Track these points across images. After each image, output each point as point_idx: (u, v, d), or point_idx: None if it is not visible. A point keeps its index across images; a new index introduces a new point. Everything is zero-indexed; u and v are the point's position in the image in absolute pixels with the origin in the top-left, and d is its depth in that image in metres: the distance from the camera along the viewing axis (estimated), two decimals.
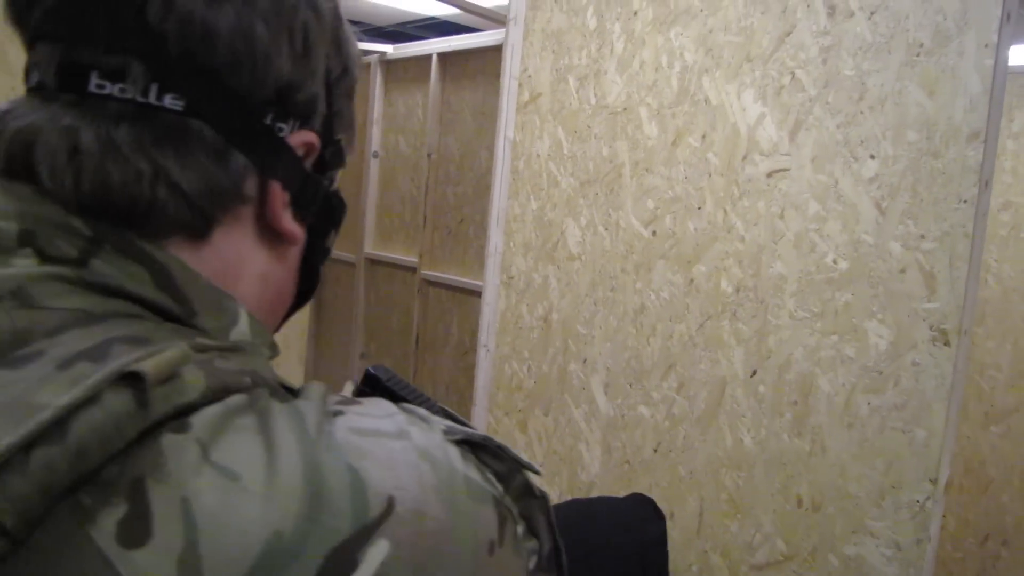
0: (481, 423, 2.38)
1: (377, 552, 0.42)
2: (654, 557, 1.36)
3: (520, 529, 0.56)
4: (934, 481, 1.53)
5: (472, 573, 0.48)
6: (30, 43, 0.54)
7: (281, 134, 0.58)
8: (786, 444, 1.72)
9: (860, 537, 1.63)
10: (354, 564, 0.41)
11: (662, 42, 1.96)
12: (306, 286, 0.71)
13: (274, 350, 0.61)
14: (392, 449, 0.48)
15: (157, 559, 0.37)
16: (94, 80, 0.51)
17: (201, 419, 0.42)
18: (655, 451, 1.96)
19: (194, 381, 0.43)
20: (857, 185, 1.63)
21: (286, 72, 0.57)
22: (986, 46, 1.49)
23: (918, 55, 1.56)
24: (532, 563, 0.56)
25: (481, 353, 2.38)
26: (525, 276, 2.29)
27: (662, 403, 1.95)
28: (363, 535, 0.42)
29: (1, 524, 0.35)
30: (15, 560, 0.36)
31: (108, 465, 0.39)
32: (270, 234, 0.61)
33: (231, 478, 0.40)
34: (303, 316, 3.14)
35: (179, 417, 0.42)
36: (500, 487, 0.54)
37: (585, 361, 2.12)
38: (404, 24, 4.84)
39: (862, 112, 1.63)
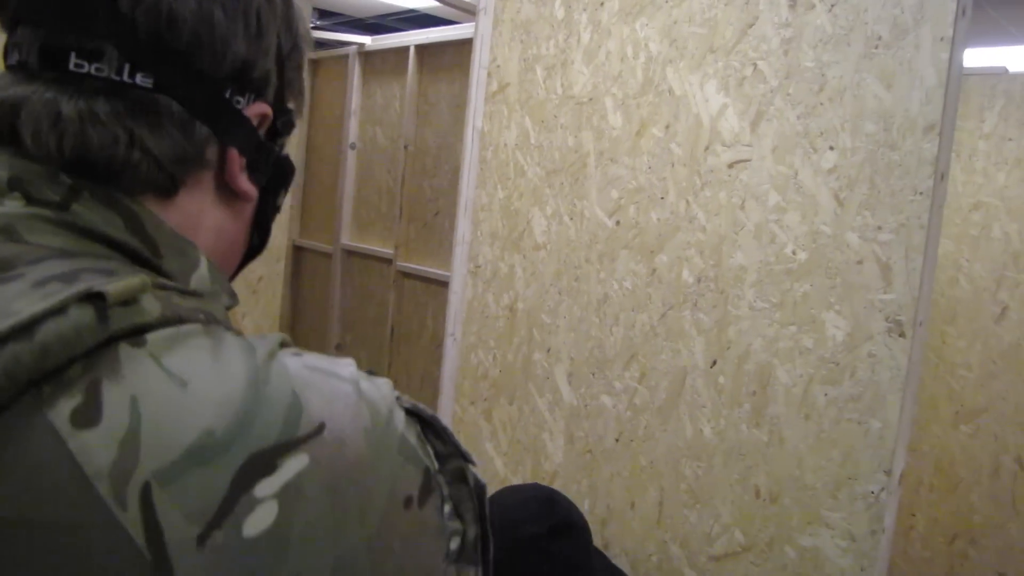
0: (447, 412, 2.37)
1: (295, 463, 0.47)
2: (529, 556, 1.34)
3: (447, 508, 0.57)
4: (888, 472, 1.53)
5: (383, 515, 0.51)
6: (11, 25, 0.60)
7: (239, 107, 0.65)
8: (745, 435, 1.73)
9: (816, 528, 1.63)
10: (272, 468, 0.46)
11: (628, 33, 1.96)
12: (259, 240, 0.78)
13: (233, 298, 0.68)
14: (337, 388, 0.53)
15: (102, 438, 0.43)
16: (73, 60, 0.57)
17: (156, 336, 0.48)
18: (617, 441, 1.96)
19: (151, 308, 0.49)
20: (816, 176, 1.64)
21: (242, 52, 0.63)
22: (941, 39, 1.50)
23: (876, 47, 1.57)
24: (455, 544, 0.58)
25: (448, 342, 2.38)
26: (492, 265, 2.29)
27: (624, 393, 1.95)
28: (286, 447, 0.47)
29: None
30: None
31: (70, 367, 0.45)
32: (227, 193, 0.68)
33: (179, 383, 0.46)
34: (278, 306, 3.13)
35: (136, 335, 0.48)
36: (436, 464, 0.57)
37: (549, 350, 2.12)
38: (384, 16, 4.83)
39: (822, 103, 1.64)
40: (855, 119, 1.59)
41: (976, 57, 3.57)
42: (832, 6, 1.63)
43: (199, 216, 0.65)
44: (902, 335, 1.52)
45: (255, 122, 0.67)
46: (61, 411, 0.44)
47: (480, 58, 2.32)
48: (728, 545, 1.76)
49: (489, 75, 2.32)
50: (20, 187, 0.54)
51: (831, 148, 1.62)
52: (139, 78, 0.58)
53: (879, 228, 1.56)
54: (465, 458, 0.60)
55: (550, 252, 2.12)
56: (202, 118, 0.62)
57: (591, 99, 2.04)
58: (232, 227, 0.71)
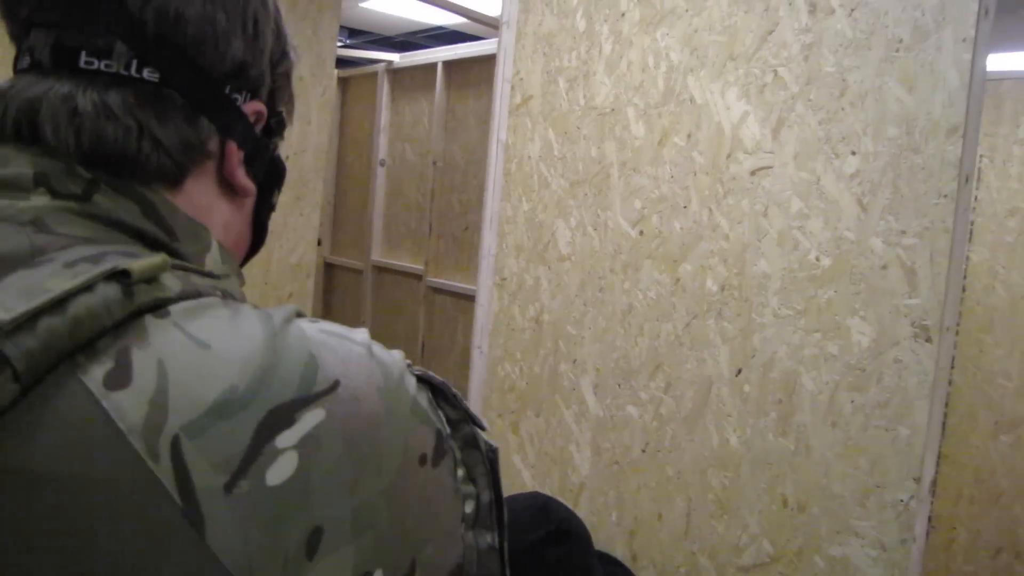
0: None
1: (312, 417, 0.51)
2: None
3: (460, 472, 0.61)
4: (918, 480, 1.51)
5: (398, 469, 0.54)
6: (23, 32, 0.64)
7: (237, 103, 0.70)
8: (771, 443, 1.71)
9: (845, 537, 1.61)
10: (291, 422, 0.50)
11: (649, 43, 1.96)
12: (256, 239, 0.82)
13: (241, 277, 0.73)
14: (351, 349, 0.57)
15: (133, 398, 0.47)
16: (84, 57, 0.61)
17: (178, 308, 0.53)
18: (643, 451, 1.95)
19: (172, 284, 0.54)
20: (839, 182, 1.63)
21: (241, 52, 0.68)
22: (963, 41, 1.48)
23: (897, 51, 1.56)
24: (469, 508, 0.61)
25: (475, 355, 2.39)
26: (517, 277, 2.29)
27: (650, 403, 1.94)
28: (304, 402, 0.51)
29: (14, 370, 0.45)
30: (22, 405, 0.46)
31: (100, 338, 0.49)
32: (228, 187, 0.72)
33: (202, 346, 0.50)
34: None
35: (159, 308, 0.52)
36: (447, 428, 0.61)
37: (575, 362, 2.12)
38: (412, 34, 4.88)
39: (843, 108, 1.62)
40: (877, 123, 1.58)
41: (1010, 61, 3.52)
42: (852, 10, 1.62)
43: (208, 208, 0.70)
44: (928, 340, 1.50)
45: (252, 119, 0.72)
46: (94, 376, 0.48)
47: (504, 71, 2.33)
48: (756, 555, 1.74)
49: (512, 88, 2.33)
50: (45, 183, 0.58)
51: (853, 153, 1.61)
52: (146, 72, 0.62)
53: (903, 232, 1.54)
54: (476, 423, 0.63)
55: (575, 263, 2.12)
56: (204, 111, 0.66)
57: (613, 109, 2.04)
58: (236, 220, 0.75)
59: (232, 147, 0.70)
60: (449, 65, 4.06)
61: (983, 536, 3.27)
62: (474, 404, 2.39)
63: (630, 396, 1.98)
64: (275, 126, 0.78)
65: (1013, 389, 3.14)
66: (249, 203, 0.77)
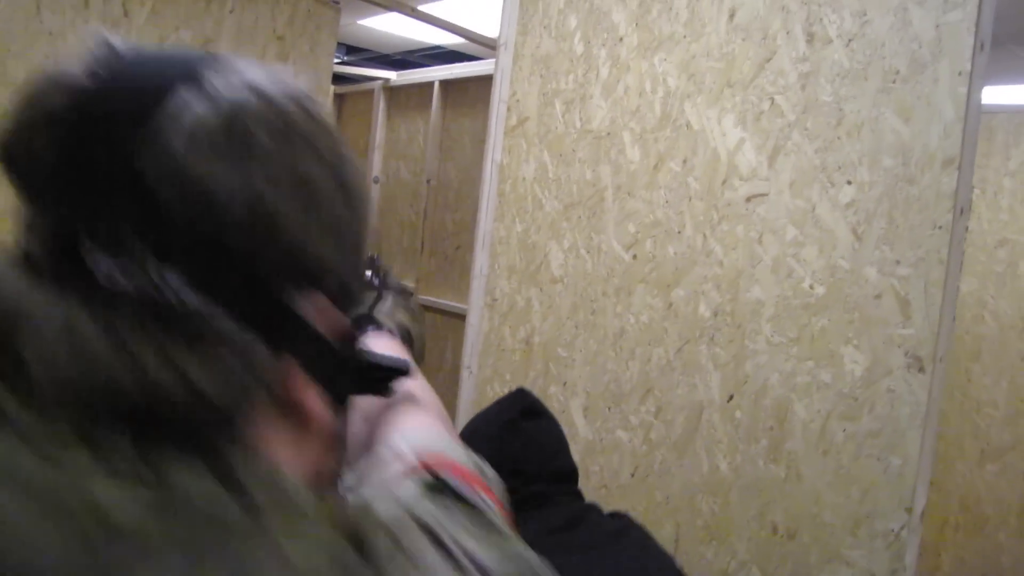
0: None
1: None
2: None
3: None
4: (909, 510, 1.51)
5: None
6: (28, 200, 0.50)
7: (295, 307, 0.52)
8: (762, 470, 1.70)
9: (835, 566, 1.61)
10: None
11: (646, 67, 1.97)
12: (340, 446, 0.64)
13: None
14: None
15: None
16: (90, 255, 0.46)
17: None
18: (632, 475, 1.94)
19: None
20: (834, 210, 1.63)
21: (294, 233, 0.51)
22: (960, 74, 1.49)
23: (894, 82, 1.57)
24: None
25: (464, 375, 2.38)
26: (509, 298, 2.29)
27: (640, 427, 1.93)
28: None
29: None
30: None
31: None
32: (295, 410, 0.55)
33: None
34: None
35: None
36: None
37: (565, 384, 2.11)
38: (410, 52, 4.89)
39: (839, 138, 1.63)
40: (873, 153, 1.59)
41: (1001, 95, 3.56)
42: (849, 41, 1.63)
43: (265, 442, 0.53)
44: (921, 370, 1.50)
45: (315, 320, 0.54)
46: None
47: (500, 92, 2.34)
48: None
49: (509, 109, 2.33)
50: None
51: (849, 182, 1.61)
52: (171, 279, 0.46)
53: (897, 262, 1.55)
54: None
55: (567, 286, 2.12)
56: (252, 325, 0.49)
57: (609, 133, 2.04)
58: (310, 437, 0.57)
59: (295, 368, 0.54)
60: (446, 84, 4.07)
61: (968, 563, 3.27)
62: (461, 426, 2.38)
63: (620, 420, 1.97)
64: (346, 308, 0.59)
65: (1000, 418, 3.15)
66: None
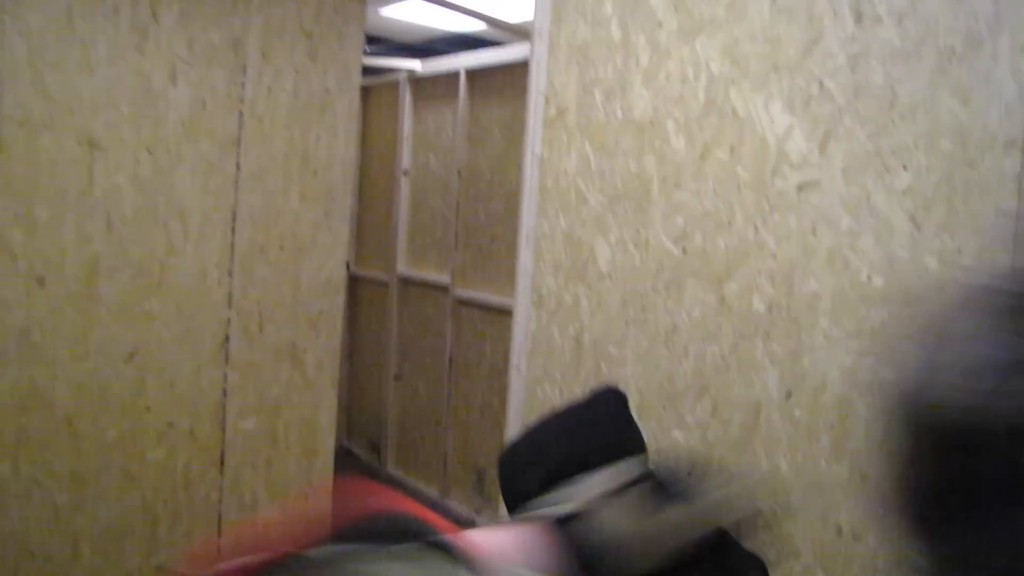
0: None
1: None
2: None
3: None
4: None
5: None
6: None
7: None
8: (824, 471, 1.66)
9: (905, 569, 1.56)
10: None
11: (688, 53, 1.91)
12: None
13: None
14: None
15: None
16: None
17: None
18: (689, 476, 1.90)
19: None
20: (890, 198, 1.57)
21: None
22: (1021, 49, 1.42)
23: (950, 61, 1.50)
24: None
25: (513, 375, 2.35)
26: (556, 296, 2.25)
27: (696, 427, 1.89)
28: None
29: None
30: None
31: None
32: None
33: None
34: (339, 341, 3.14)
35: None
36: None
37: (618, 383, 2.07)
38: (431, 40, 4.84)
39: (893, 121, 1.57)
40: (929, 136, 1.52)
41: None
42: (901, 18, 1.56)
43: None
44: None
45: None
46: None
47: (537, 83, 2.29)
48: None
49: (547, 100, 2.28)
50: None
51: (905, 168, 1.55)
52: None
53: (959, 251, 1.49)
54: None
55: (615, 282, 2.08)
56: None
57: (652, 122, 1.99)
58: None
59: None
60: (472, 73, 4.02)
61: None
62: (512, 427, 2.35)
63: (675, 419, 1.93)
64: None
65: None
66: None
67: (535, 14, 2.29)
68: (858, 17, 1.62)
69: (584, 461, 1.23)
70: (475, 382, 4.01)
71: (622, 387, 1.44)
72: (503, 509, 2.34)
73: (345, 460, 4.24)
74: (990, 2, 1.46)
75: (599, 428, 1.30)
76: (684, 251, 1.92)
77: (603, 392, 1.39)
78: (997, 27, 1.45)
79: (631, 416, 1.33)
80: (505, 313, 3.77)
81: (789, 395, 1.71)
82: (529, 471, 1.25)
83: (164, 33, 2.62)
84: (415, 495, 4.33)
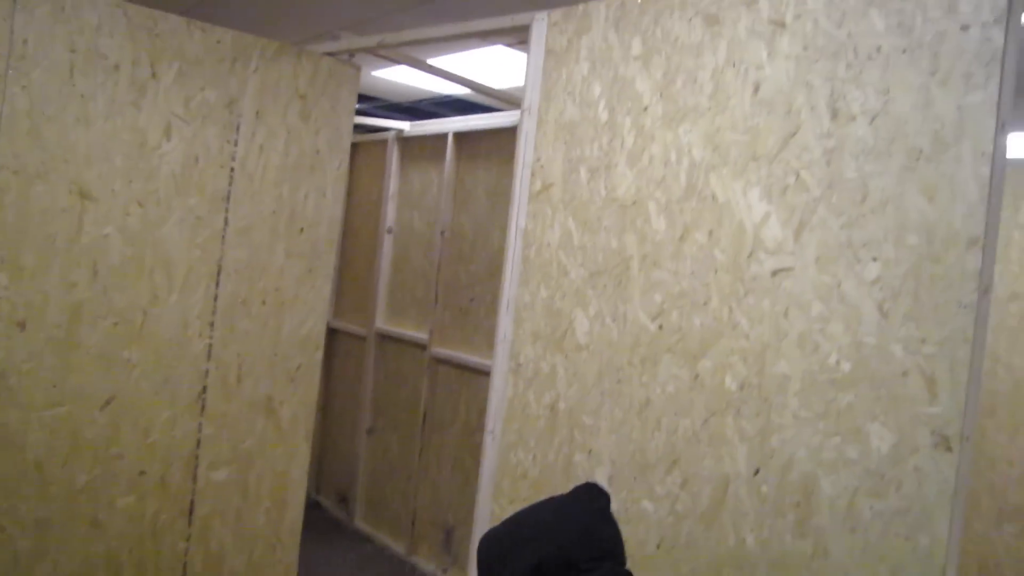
0: (486, 511, 2.37)
1: None
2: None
3: None
4: None
5: None
6: None
7: None
8: (789, 545, 1.71)
9: None
10: None
11: (671, 138, 2.00)
12: None
13: None
14: None
15: None
16: None
17: None
18: (658, 547, 1.95)
19: None
20: (860, 286, 1.65)
21: None
22: (983, 155, 1.52)
23: (918, 160, 1.59)
24: None
25: (487, 440, 2.39)
26: (533, 364, 2.30)
27: (666, 498, 1.94)
28: None
29: None
30: None
31: None
32: None
33: None
34: (315, 395, 3.17)
35: None
36: None
37: (591, 452, 2.12)
38: (420, 101, 4.95)
39: (864, 214, 1.66)
40: (898, 230, 1.61)
41: (1010, 146, 3.58)
42: (873, 118, 1.66)
43: None
44: (949, 449, 1.52)
45: None
46: None
47: (524, 156, 2.37)
48: None
49: (533, 174, 2.36)
50: None
51: (874, 259, 1.64)
52: None
53: (923, 341, 1.56)
54: None
55: (592, 353, 2.14)
56: None
57: (635, 202, 2.07)
58: None
59: None
60: (460, 136, 4.11)
61: None
62: (485, 489, 2.39)
63: (646, 490, 1.98)
64: None
65: (1017, 476, 3.15)
66: None
67: (525, 91, 2.38)
68: (834, 114, 1.71)
69: (568, 559, 1.29)
70: (447, 439, 4.04)
71: (600, 479, 1.49)
72: (472, 571, 2.37)
73: (313, 513, 4.22)
74: (954, 109, 1.55)
75: (583, 525, 1.35)
76: (660, 327, 1.98)
77: (586, 489, 1.44)
78: (961, 133, 1.55)
79: (611, 515, 1.39)
80: (481, 373, 3.82)
81: (757, 471, 1.77)
82: (513, 561, 1.30)
83: (162, 90, 2.69)
84: (382, 551, 4.32)
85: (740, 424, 1.81)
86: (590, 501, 1.41)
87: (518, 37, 2.57)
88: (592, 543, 1.35)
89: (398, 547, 4.28)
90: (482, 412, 3.82)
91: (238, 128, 2.87)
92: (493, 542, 1.38)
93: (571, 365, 2.19)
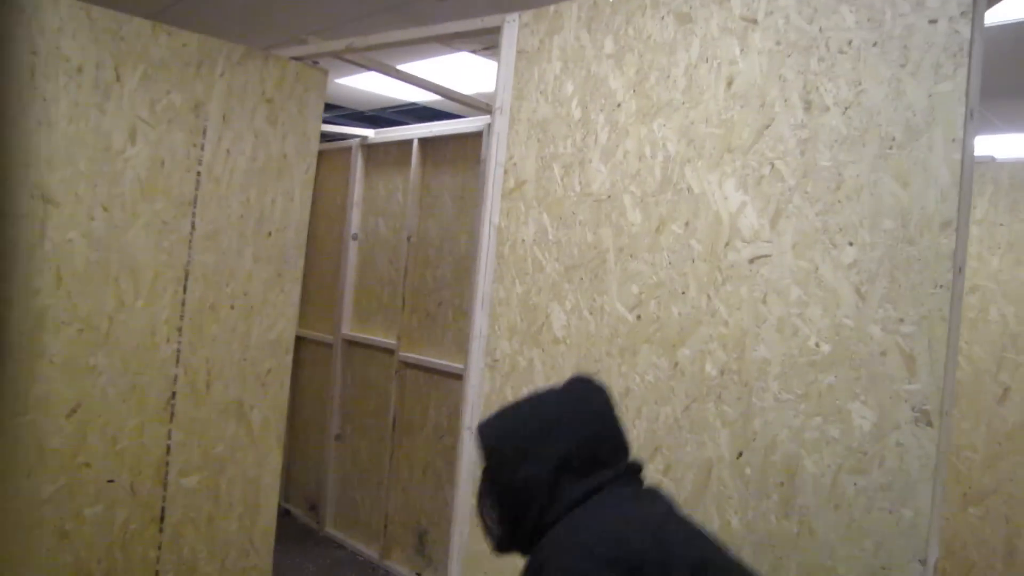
0: (465, 506, 2.37)
1: None
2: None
3: None
4: (923, 562, 1.55)
5: None
6: None
7: None
8: (773, 526, 1.74)
9: None
10: None
11: (645, 133, 2.03)
12: None
13: None
14: None
15: None
16: None
17: None
18: None
19: None
20: (837, 271, 1.69)
21: None
22: (953, 141, 1.57)
23: (891, 148, 1.64)
24: None
25: (465, 435, 2.39)
26: (510, 359, 2.31)
27: None
28: None
29: None
30: None
31: None
32: None
33: None
34: (286, 398, 3.15)
35: None
36: None
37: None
38: (384, 109, 4.95)
39: (839, 201, 1.70)
40: (873, 216, 1.65)
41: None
42: (846, 108, 1.70)
43: None
44: (929, 424, 1.56)
45: None
46: None
47: (496, 155, 2.38)
48: None
49: (506, 172, 2.38)
50: None
51: (850, 244, 1.68)
52: None
53: (901, 320, 1.61)
54: None
55: (570, 346, 2.16)
56: None
57: (609, 196, 2.10)
58: None
59: None
60: (425, 142, 4.12)
61: None
62: (464, 485, 2.39)
63: None
64: None
65: (980, 461, 3.23)
66: None
67: (497, 90, 2.40)
68: (807, 106, 1.76)
69: (592, 455, 1.31)
70: (418, 443, 4.03)
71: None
72: (452, 568, 2.35)
73: (282, 520, 4.18)
74: (925, 98, 1.60)
75: (597, 417, 1.37)
76: (639, 318, 2.01)
77: (581, 382, 1.46)
78: (932, 120, 1.60)
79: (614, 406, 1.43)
80: (450, 376, 3.82)
81: (740, 454, 1.80)
82: (534, 458, 1.31)
83: (127, 93, 2.66)
84: (355, 556, 4.29)
85: (722, 409, 1.84)
86: (593, 393, 1.43)
87: (488, 41, 2.60)
88: (609, 436, 1.38)
89: (371, 552, 4.26)
90: (452, 415, 3.82)
91: (204, 132, 2.85)
92: (503, 435, 1.37)
93: (549, 359, 2.21)
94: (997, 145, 5.23)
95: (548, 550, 1.26)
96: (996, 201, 3.29)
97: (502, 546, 1.38)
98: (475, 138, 3.79)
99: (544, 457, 1.31)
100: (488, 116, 3.23)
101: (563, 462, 1.30)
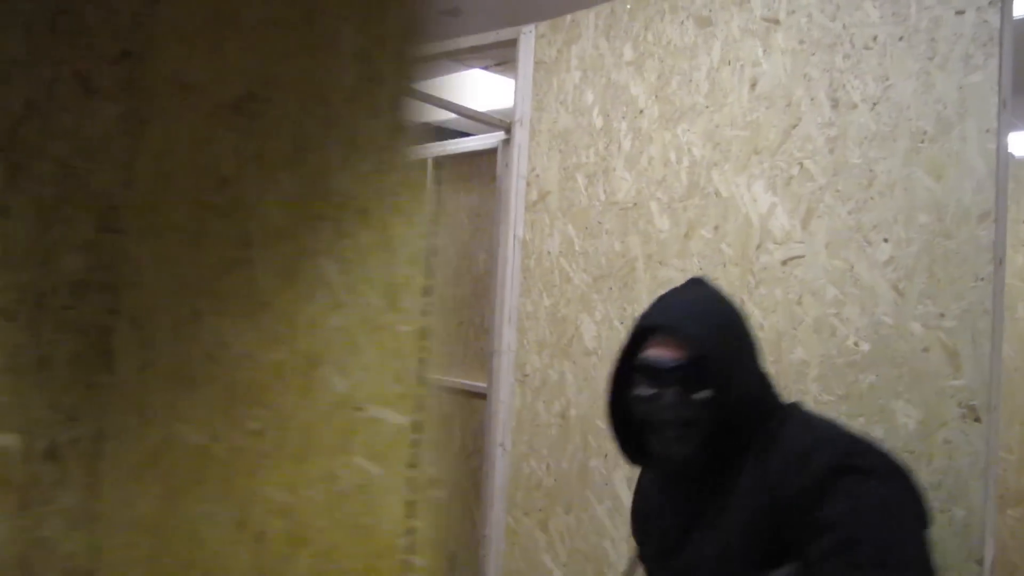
0: (500, 524, 2.34)
1: None
2: None
3: None
4: (980, 562, 1.51)
5: None
6: None
7: None
8: None
9: None
10: None
11: (669, 138, 2.02)
12: None
13: None
14: None
15: None
16: None
17: None
18: None
19: None
20: (873, 269, 1.67)
21: None
22: (987, 131, 1.55)
23: (922, 142, 1.62)
24: None
25: (497, 452, 2.37)
26: (540, 373, 2.29)
27: None
28: None
29: None
30: None
31: None
32: None
33: None
34: None
35: None
36: None
37: (607, 456, 2.11)
38: None
39: (872, 198, 1.68)
40: (908, 211, 1.63)
41: None
42: (874, 104, 1.68)
43: None
44: (977, 420, 1.53)
45: None
46: None
47: (518, 168, 2.37)
48: None
49: (528, 184, 2.36)
50: None
51: (885, 240, 1.65)
52: None
53: (942, 315, 1.58)
54: None
55: (601, 358, 2.13)
56: None
57: (636, 204, 2.08)
58: None
59: None
60: (439, 161, 4.11)
61: None
62: (498, 503, 2.36)
63: None
64: None
65: (1015, 461, 3.18)
66: None
67: (515, 103, 2.39)
68: (834, 104, 1.74)
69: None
70: (446, 462, 4.00)
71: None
72: None
73: None
74: (955, 90, 1.58)
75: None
76: None
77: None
78: (964, 112, 1.57)
79: None
80: (474, 395, 3.78)
81: None
82: (740, 364, 1.37)
83: None
84: None
85: None
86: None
87: (503, 55, 2.59)
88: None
89: None
90: (477, 434, 3.79)
91: None
92: (695, 328, 1.38)
93: (580, 371, 2.18)
94: (1018, 143, 5.22)
95: (805, 439, 1.32)
96: (1018, 198, 3.26)
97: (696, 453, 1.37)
98: (490, 155, 3.77)
99: (746, 366, 1.39)
100: (502, 132, 3.22)
101: (764, 376, 1.43)
